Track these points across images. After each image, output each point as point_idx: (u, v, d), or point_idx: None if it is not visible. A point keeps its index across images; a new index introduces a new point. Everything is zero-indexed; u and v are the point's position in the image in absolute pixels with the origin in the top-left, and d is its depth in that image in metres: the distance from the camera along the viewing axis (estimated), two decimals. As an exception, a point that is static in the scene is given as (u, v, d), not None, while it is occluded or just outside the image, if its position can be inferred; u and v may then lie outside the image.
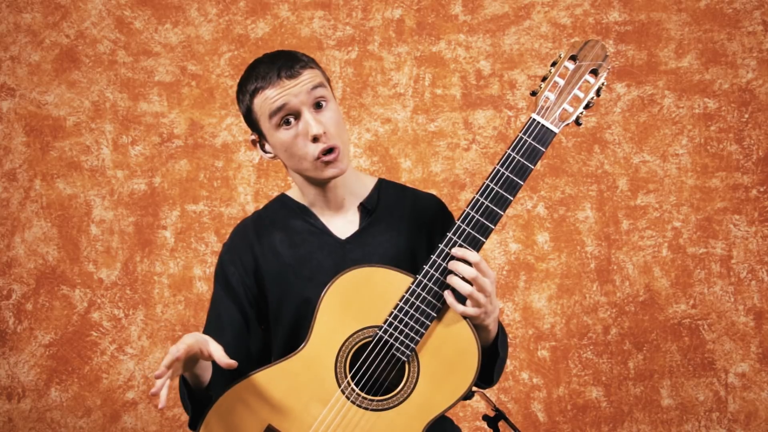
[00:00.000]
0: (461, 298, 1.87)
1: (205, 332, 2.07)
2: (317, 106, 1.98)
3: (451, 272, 1.86)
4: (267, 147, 2.05)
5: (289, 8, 3.30)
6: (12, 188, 3.30)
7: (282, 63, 1.97)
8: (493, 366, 2.00)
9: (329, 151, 1.97)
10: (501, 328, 1.99)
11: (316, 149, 1.97)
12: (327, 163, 1.98)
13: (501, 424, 2.04)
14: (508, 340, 2.20)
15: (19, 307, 3.29)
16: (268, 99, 1.97)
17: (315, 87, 1.97)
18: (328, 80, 2.06)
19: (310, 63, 2.00)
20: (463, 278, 1.85)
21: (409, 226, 2.07)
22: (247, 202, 3.28)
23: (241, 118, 3.28)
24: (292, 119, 1.97)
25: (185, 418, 3.27)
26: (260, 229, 2.09)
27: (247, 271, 2.06)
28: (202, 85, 3.30)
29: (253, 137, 2.07)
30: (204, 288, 3.28)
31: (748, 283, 3.23)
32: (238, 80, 2.06)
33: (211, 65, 3.30)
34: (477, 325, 1.90)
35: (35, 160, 3.30)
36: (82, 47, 3.30)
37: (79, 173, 3.30)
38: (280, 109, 1.96)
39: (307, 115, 1.96)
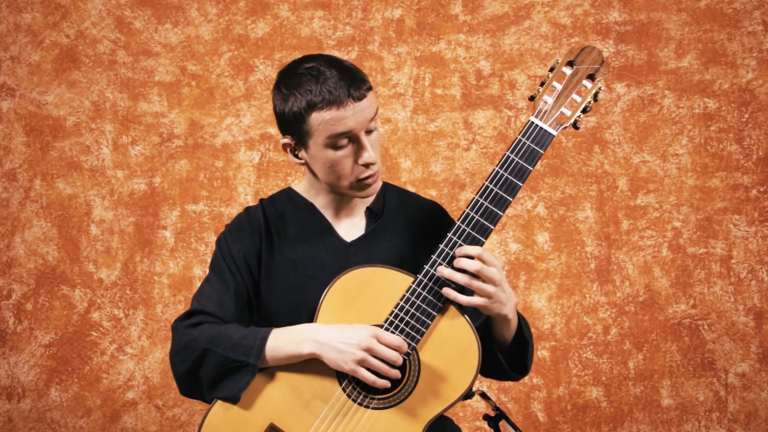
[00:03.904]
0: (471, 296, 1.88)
1: (201, 304, 2.01)
2: (368, 130, 1.94)
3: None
4: (301, 154, 1.99)
5: (289, 8, 3.30)
6: (12, 188, 3.30)
7: (350, 81, 1.90)
8: (524, 354, 2.00)
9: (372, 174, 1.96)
10: (520, 315, 2.00)
11: (362, 173, 1.94)
12: (367, 186, 1.96)
13: (501, 424, 2.04)
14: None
15: (19, 307, 3.29)
16: (330, 120, 1.90)
17: (375, 115, 1.94)
18: None
19: (370, 85, 1.95)
20: (467, 272, 1.86)
21: (413, 234, 2.07)
22: (247, 202, 3.28)
23: (241, 119, 3.31)
24: (346, 141, 1.92)
25: (185, 417, 3.27)
26: (269, 217, 2.06)
27: (250, 253, 2.03)
28: (202, 85, 3.30)
29: (286, 141, 1.99)
30: (204, 288, 3.28)
31: (748, 283, 3.23)
32: (281, 69, 1.97)
33: (211, 65, 3.30)
34: (495, 316, 1.90)
35: (35, 160, 3.30)
36: (82, 47, 3.30)
37: (79, 173, 3.30)
38: (343, 133, 1.91)
39: (364, 140, 1.92)
